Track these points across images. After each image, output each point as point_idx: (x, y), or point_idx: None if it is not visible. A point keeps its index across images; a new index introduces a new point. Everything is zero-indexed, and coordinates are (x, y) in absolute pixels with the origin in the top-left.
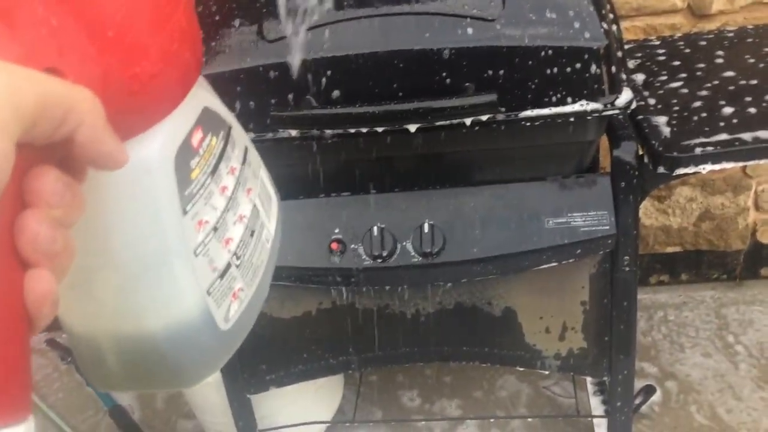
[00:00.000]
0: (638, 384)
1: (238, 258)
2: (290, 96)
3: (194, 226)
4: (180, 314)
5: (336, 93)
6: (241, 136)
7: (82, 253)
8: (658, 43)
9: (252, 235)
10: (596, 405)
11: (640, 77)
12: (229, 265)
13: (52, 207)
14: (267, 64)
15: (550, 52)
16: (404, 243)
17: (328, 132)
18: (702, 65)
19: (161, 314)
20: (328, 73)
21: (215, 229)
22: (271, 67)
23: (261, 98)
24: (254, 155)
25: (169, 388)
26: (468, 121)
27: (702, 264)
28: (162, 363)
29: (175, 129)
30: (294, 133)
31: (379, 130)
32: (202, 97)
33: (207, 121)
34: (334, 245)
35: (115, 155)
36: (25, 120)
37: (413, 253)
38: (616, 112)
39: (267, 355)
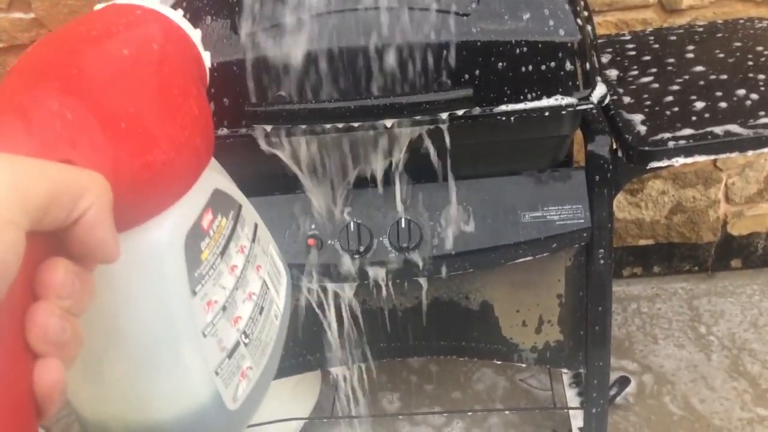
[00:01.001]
0: (613, 375)
1: (246, 336)
2: (265, 91)
3: (203, 306)
4: (188, 395)
5: (311, 88)
6: (251, 214)
7: (90, 335)
8: (628, 38)
9: (261, 312)
10: (572, 397)
11: (613, 73)
12: (237, 344)
13: (63, 298)
14: (240, 59)
15: (525, 47)
16: (381, 238)
17: (303, 127)
18: (672, 60)
19: (169, 397)
20: (303, 68)
21: (224, 308)
22: (245, 62)
23: (235, 93)
24: (264, 231)
25: None
26: (444, 115)
27: (674, 256)
28: None
29: (186, 213)
30: (268, 128)
31: (355, 125)
32: (213, 179)
33: (217, 202)
34: (310, 241)
35: (109, 246)
36: (36, 211)
37: (390, 248)
38: (591, 106)
39: None
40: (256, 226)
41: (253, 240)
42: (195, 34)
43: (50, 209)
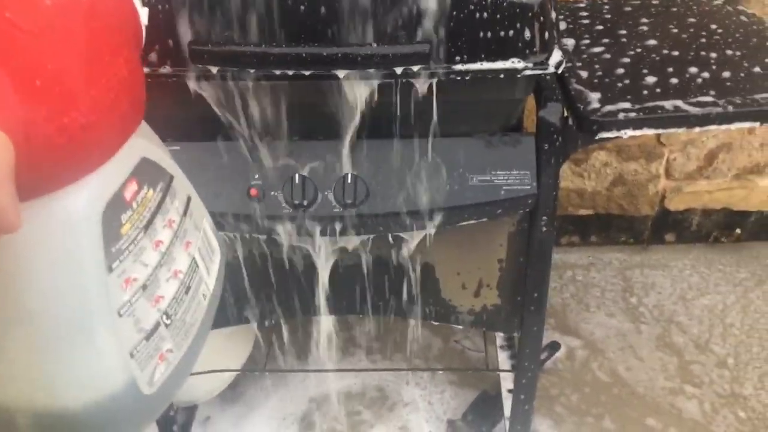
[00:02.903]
0: (545, 340)
1: (168, 317)
2: (212, 30)
3: (120, 284)
4: (99, 379)
5: (263, 32)
6: (184, 186)
7: None
8: (583, 5)
9: (187, 291)
10: (504, 359)
11: (570, 41)
12: (157, 325)
13: None
14: None
15: (485, 6)
16: (326, 192)
17: (251, 71)
18: (625, 32)
19: (79, 380)
20: (256, 9)
21: (144, 287)
22: None
23: (180, 31)
24: (198, 205)
25: None
26: (399, 70)
27: (611, 227)
28: None
29: (106, 182)
30: (214, 70)
31: (306, 73)
32: (141, 146)
33: (144, 172)
34: (252, 191)
35: (8, 214)
36: None
37: (334, 203)
38: (547, 71)
39: None
40: (189, 199)
41: (185, 214)
42: None
43: None
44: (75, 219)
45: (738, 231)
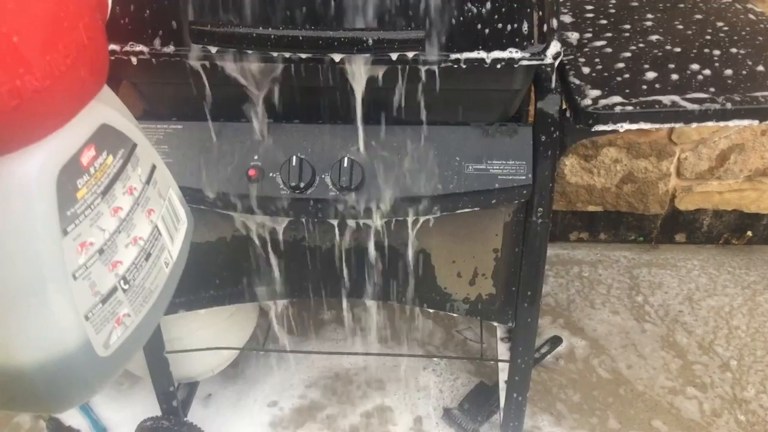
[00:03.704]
0: (547, 334)
1: (126, 282)
2: (213, 11)
3: (75, 248)
4: (53, 340)
5: (263, 14)
6: (148, 154)
7: None
8: None
9: (147, 258)
10: (503, 351)
11: (574, 35)
12: (114, 290)
13: None
14: None
15: None
16: (323, 175)
17: (249, 53)
18: (628, 26)
19: (33, 340)
20: None
21: (101, 251)
22: None
23: (182, 11)
24: (163, 174)
25: (43, 412)
26: (394, 56)
27: (620, 225)
28: (34, 393)
29: (62, 146)
30: (213, 50)
31: (302, 56)
32: (102, 112)
33: (104, 138)
34: (251, 172)
35: None
36: None
37: (331, 186)
38: (544, 63)
39: None
40: (153, 167)
41: (147, 182)
42: None
43: None
44: (28, 182)
45: (749, 233)
